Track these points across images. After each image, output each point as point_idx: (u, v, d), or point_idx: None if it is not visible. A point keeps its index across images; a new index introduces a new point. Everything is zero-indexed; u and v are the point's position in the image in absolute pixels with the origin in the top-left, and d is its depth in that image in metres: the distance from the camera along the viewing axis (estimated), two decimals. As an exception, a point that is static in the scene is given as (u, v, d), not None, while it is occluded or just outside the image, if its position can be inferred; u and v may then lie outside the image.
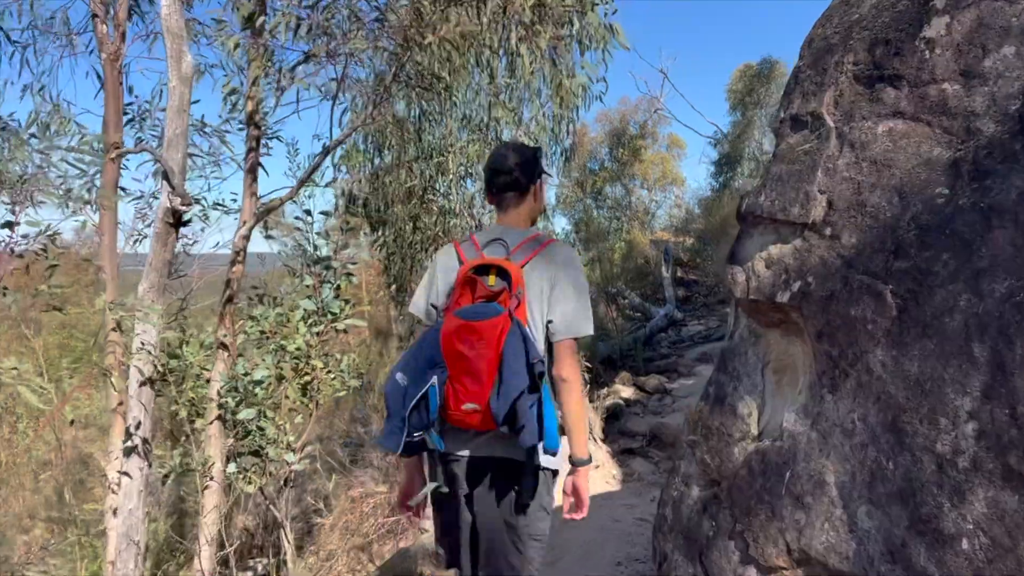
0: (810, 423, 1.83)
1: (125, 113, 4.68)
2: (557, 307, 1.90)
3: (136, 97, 4.60)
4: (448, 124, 5.89)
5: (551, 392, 1.88)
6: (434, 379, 1.84)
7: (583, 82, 6.22)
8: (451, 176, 6.08)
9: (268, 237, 4.63)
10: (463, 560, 2.07)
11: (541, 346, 1.89)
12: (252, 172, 4.40)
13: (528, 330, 1.84)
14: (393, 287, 6.95)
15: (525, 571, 1.97)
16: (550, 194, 25.76)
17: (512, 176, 2.05)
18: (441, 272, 2.04)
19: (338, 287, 4.43)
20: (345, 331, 4.53)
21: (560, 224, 25.86)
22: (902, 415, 1.58)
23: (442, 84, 4.82)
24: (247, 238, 4.48)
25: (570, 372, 1.88)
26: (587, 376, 7.39)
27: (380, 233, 6.21)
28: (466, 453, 1.95)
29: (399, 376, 1.89)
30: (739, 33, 50.42)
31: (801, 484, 1.80)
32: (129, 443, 3.84)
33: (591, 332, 1.95)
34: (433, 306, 2.02)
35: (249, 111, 4.21)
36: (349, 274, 4.47)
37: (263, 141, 4.75)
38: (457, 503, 2.02)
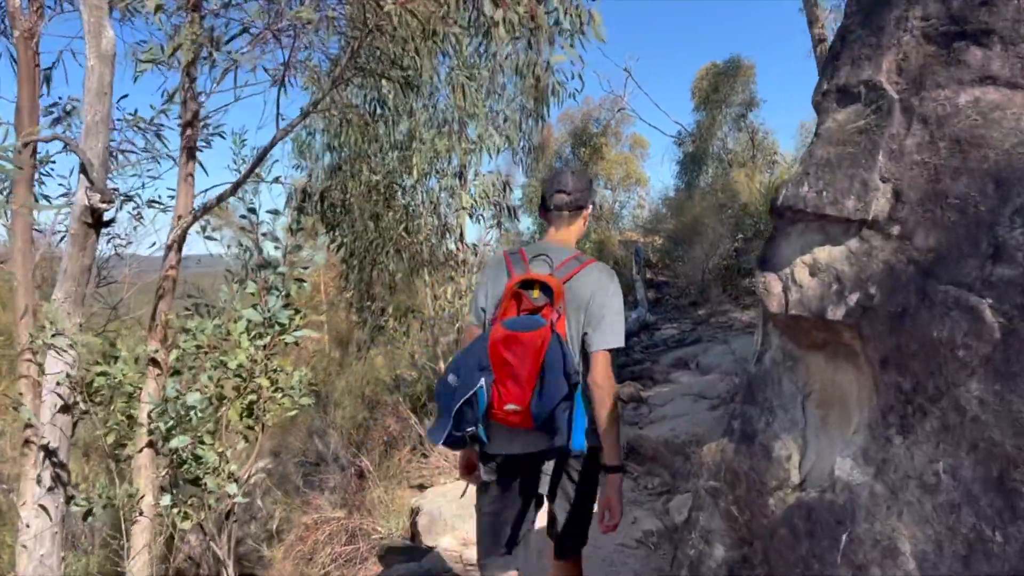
0: (873, 472, 1.44)
1: (50, 112, 4.17)
2: (593, 322, 2.14)
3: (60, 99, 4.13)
4: (413, 116, 5.45)
5: (583, 399, 2.09)
6: (482, 381, 2.04)
7: (558, 79, 5.83)
8: (416, 173, 5.63)
9: (209, 238, 4.13)
10: (499, 542, 2.30)
11: (576, 356, 2.15)
12: (189, 154, 3.91)
13: (566, 342, 2.08)
14: (352, 292, 6.47)
15: (582, 523, 2.30)
16: (516, 194, 25.32)
17: (571, 196, 2.29)
18: (491, 281, 2.29)
19: (288, 295, 3.96)
20: (296, 343, 4.07)
21: (525, 224, 25.51)
22: (1013, 470, 1.20)
23: (404, 70, 4.37)
24: (182, 238, 3.98)
25: (604, 380, 2.12)
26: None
27: (337, 233, 5.73)
28: (511, 451, 2.20)
29: (450, 378, 2.10)
30: (705, 32, 50.53)
31: (864, 551, 1.41)
32: (42, 476, 3.33)
33: (623, 344, 2.18)
34: (483, 309, 2.28)
35: (182, 84, 3.72)
36: (300, 280, 4.01)
37: (202, 124, 4.27)
38: (498, 494, 2.27)
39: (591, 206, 2.40)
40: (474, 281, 6.04)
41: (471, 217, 5.94)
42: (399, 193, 5.83)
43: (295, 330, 3.99)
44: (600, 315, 2.15)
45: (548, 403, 2.00)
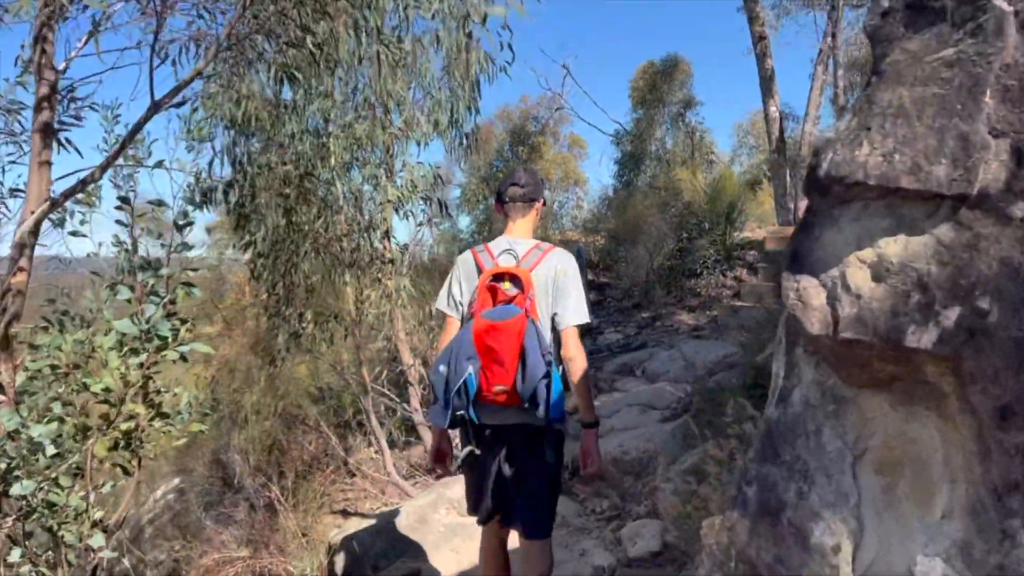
0: (983, 584, 0.93)
1: None
2: (561, 302, 2.43)
3: None
4: (330, 96, 4.79)
5: (559, 371, 2.37)
6: (470, 368, 2.32)
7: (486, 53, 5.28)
8: (333, 161, 4.98)
9: (74, 234, 3.42)
10: (487, 503, 2.57)
11: (548, 334, 2.43)
12: (45, 136, 3.19)
13: (539, 325, 2.38)
14: (266, 296, 5.76)
15: (545, 495, 2.54)
16: (454, 192, 24.71)
17: (524, 189, 2.57)
18: (464, 276, 2.57)
19: (172, 302, 3.29)
20: (184, 359, 3.39)
21: (464, 223, 24.89)
22: None
23: (314, 36, 3.75)
24: (34, 233, 3.26)
25: (576, 353, 2.41)
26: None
27: (246, 230, 5.03)
28: (496, 423, 2.46)
29: (442, 368, 2.37)
30: (642, 31, 50.61)
31: None
32: None
33: (588, 320, 2.48)
34: (460, 302, 2.55)
35: (35, 47, 3.02)
36: (188, 284, 3.34)
37: (68, 98, 3.56)
38: (486, 461, 2.53)
39: (542, 200, 2.66)
40: (404, 284, 5.42)
41: (397, 212, 5.32)
42: (317, 185, 5.17)
43: (180, 344, 3.32)
44: (565, 296, 2.44)
45: (531, 382, 2.28)
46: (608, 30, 50.28)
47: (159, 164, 3.59)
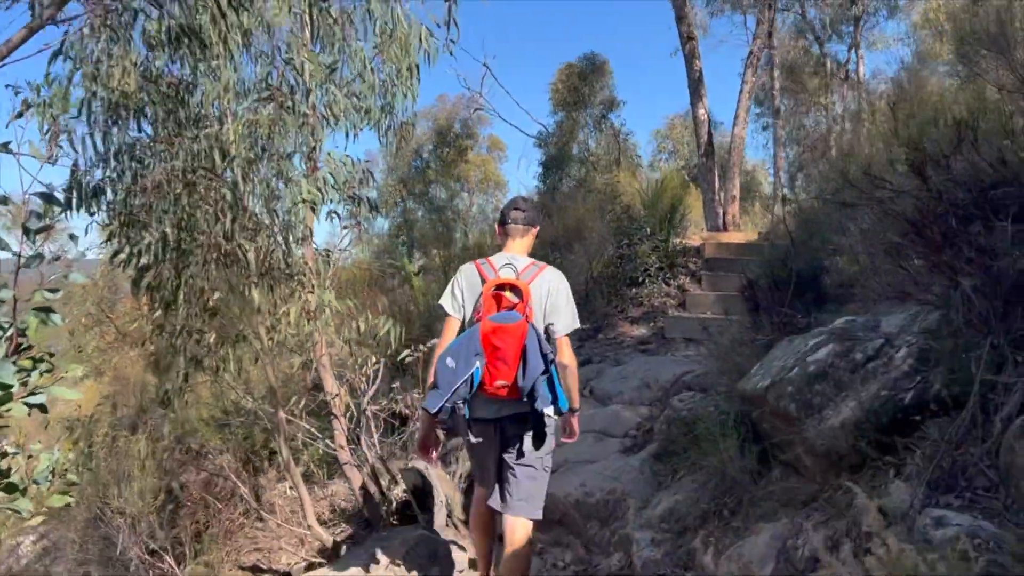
0: None
1: None
2: (555, 314, 2.92)
3: None
4: (223, 76, 3.89)
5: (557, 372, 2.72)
6: (477, 363, 2.68)
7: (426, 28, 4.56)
8: (236, 157, 4.09)
9: None
10: (491, 481, 3.02)
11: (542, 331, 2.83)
12: None
13: (539, 331, 2.77)
14: (159, 311, 4.77)
15: (541, 474, 2.96)
16: (371, 195, 23.62)
17: (526, 215, 3.08)
18: (467, 285, 2.97)
19: (23, 332, 2.43)
20: (43, 410, 2.52)
21: (380, 224, 23.83)
22: None
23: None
24: None
25: (569, 360, 2.94)
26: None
27: (126, 238, 4.07)
28: (493, 414, 2.85)
29: (448, 360, 2.70)
30: (564, 32, 50.12)
31: None
32: None
33: (579, 326, 3.04)
34: (462, 305, 2.95)
35: None
36: (45, 311, 2.46)
37: None
38: (486, 448, 2.93)
39: (538, 227, 3.14)
40: (328, 299, 4.58)
41: (315, 211, 4.48)
42: (217, 183, 4.25)
43: (32, 393, 2.45)
44: (558, 308, 2.93)
45: (531, 378, 2.65)
46: (530, 29, 49.71)
47: (3, 147, 2.66)
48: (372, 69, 4.64)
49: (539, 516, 2.95)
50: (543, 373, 2.63)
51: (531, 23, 50.28)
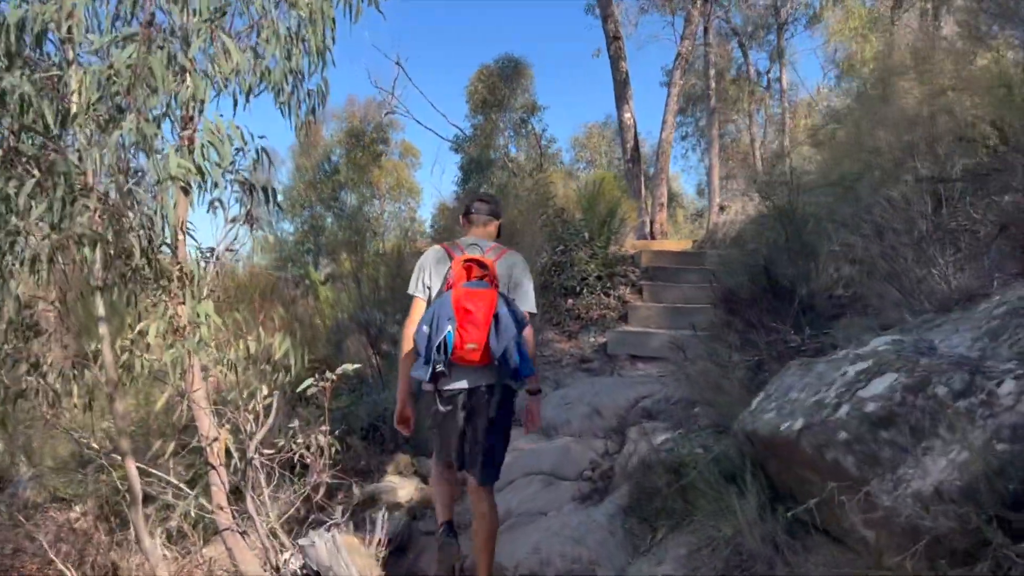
0: None
1: None
2: (517, 292, 3.07)
3: None
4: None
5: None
6: (449, 327, 2.80)
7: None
8: (80, 116, 2.94)
9: None
10: (455, 453, 3.09)
11: None
12: None
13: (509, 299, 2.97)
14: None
15: (502, 443, 3.14)
16: (270, 180, 22.17)
17: (489, 206, 3.31)
18: (434, 262, 3.13)
19: None
20: None
21: (286, 228, 22.25)
22: None
23: None
24: None
25: (529, 336, 3.05)
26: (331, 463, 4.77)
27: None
28: (464, 385, 3.00)
29: (424, 327, 2.86)
30: (484, 31, 48.76)
31: None
32: None
33: (535, 310, 3.16)
34: (428, 287, 3.11)
35: None
36: None
37: None
38: (454, 417, 3.03)
39: (500, 221, 3.36)
40: (205, 312, 3.42)
41: (187, 193, 3.36)
42: (50, 155, 3.06)
43: None
44: (520, 286, 3.10)
45: (504, 340, 2.80)
46: (446, 30, 48.27)
47: None
48: (274, 20, 3.55)
49: (496, 481, 3.19)
50: (515, 337, 2.81)
51: (447, 24, 48.65)
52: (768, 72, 18.20)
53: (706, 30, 12.89)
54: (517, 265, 3.13)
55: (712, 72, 14.44)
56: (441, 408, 3.02)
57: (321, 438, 3.90)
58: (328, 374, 3.97)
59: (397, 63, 22.11)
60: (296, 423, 3.92)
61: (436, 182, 43.58)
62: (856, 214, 4.38)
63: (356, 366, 4.02)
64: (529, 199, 9.05)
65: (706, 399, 3.92)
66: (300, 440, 3.91)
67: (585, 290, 7.91)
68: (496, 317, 2.82)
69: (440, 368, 2.86)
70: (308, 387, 3.93)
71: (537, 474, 4.64)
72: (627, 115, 13.68)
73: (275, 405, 3.90)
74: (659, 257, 9.44)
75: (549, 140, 18.85)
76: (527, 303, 3.08)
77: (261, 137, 4.28)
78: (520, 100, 20.05)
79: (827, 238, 4.79)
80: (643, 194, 13.98)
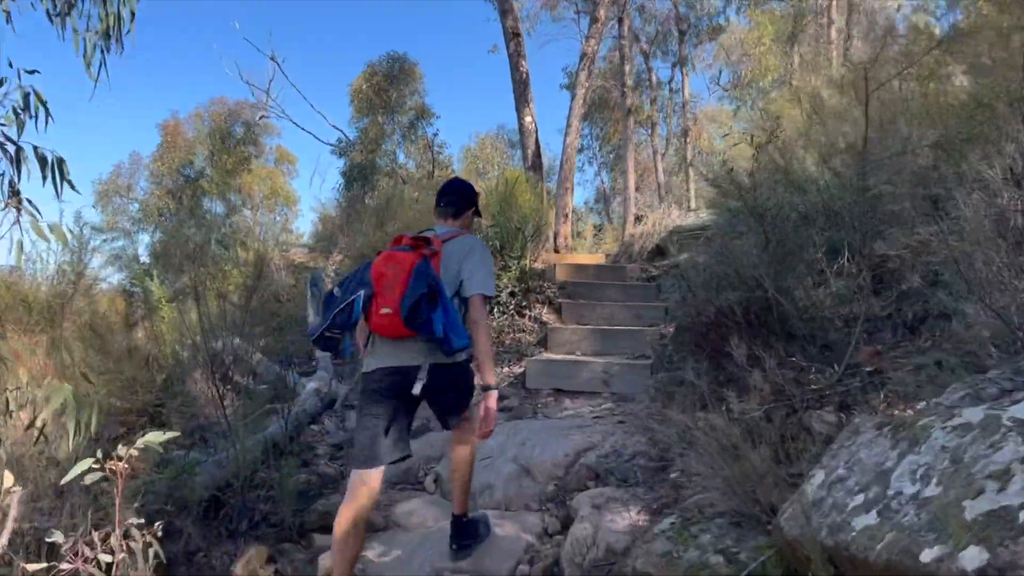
0: None
1: None
2: (467, 272, 2.80)
3: None
4: None
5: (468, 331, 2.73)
6: (360, 293, 2.66)
7: None
8: None
9: None
10: (377, 453, 2.76)
11: (450, 293, 2.73)
12: None
13: (431, 267, 2.68)
14: None
15: (465, 415, 3.03)
16: (132, 207, 19.64)
17: (451, 197, 3.09)
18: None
19: None
20: None
21: (142, 241, 19.70)
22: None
23: None
24: None
25: (479, 316, 2.77)
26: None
27: None
28: (389, 363, 2.76)
29: (336, 290, 2.75)
30: (370, 24, 45.64)
31: None
32: None
33: (492, 293, 2.93)
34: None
35: None
36: None
37: None
38: (379, 403, 2.77)
39: (472, 209, 3.14)
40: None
41: None
42: None
43: None
44: (474, 268, 2.80)
45: (410, 298, 2.54)
46: (329, 23, 45.18)
47: None
48: None
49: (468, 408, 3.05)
50: (426, 294, 2.56)
51: (332, 17, 45.20)
52: (670, 81, 17.73)
53: (620, 21, 12.02)
54: (475, 247, 2.90)
55: (627, 68, 13.59)
56: (372, 386, 2.80)
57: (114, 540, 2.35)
58: (123, 449, 2.48)
59: (272, 59, 20.18)
60: (58, 539, 2.34)
61: (316, 191, 40.85)
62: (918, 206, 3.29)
63: (169, 436, 2.55)
64: (427, 203, 7.64)
65: (710, 467, 2.68)
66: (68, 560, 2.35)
67: (496, 309, 6.59)
68: (409, 278, 2.61)
69: (337, 335, 2.71)
70: (84, 474, 2.41)
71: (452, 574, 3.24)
72: (528, 119, 12.56)
73: (15, 506, 2.33)
74: (576, 271, 8.29)
75: (441, 145, 17.46)
76: (480, 285, 2.80)
77: (32, 72, 2.81)
78: (410, 102, 18.62)
79: (826, 246, 3.71)
80: (546, 203, 12.88)
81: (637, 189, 17.33)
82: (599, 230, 17.10)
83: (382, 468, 2.77)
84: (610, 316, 6.92)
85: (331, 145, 18.68)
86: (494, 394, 2.83)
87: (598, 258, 10.70)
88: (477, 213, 3.19)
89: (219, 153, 21.20)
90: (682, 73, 16.44)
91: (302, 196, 30.03)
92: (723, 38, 15.60)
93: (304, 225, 25.29)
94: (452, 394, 2.92)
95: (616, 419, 4.77)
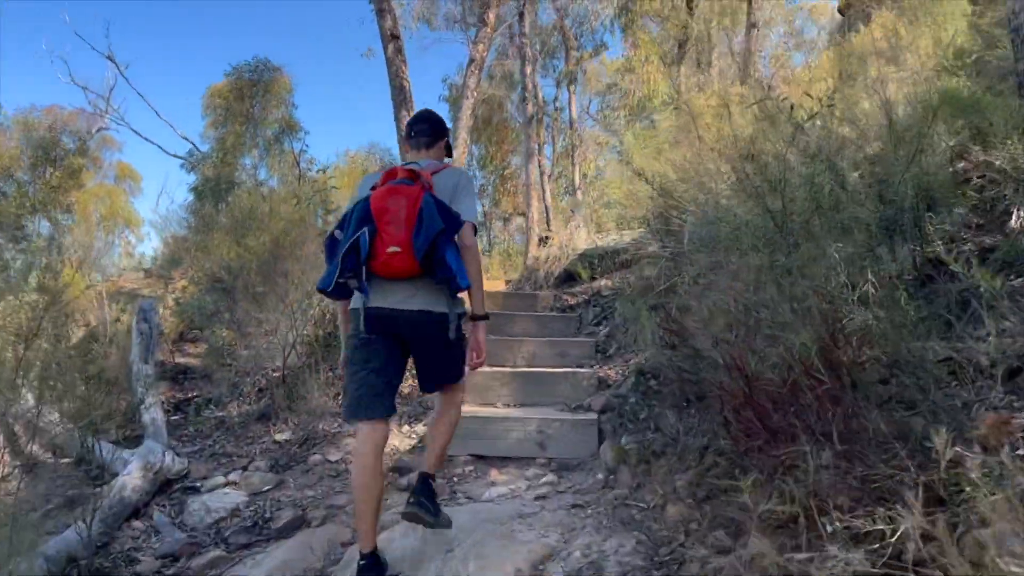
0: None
1: None
2: (457, 201, 2.66)
3: None
4: None
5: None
6: (364, 230, 2.44)
7: None
8: None
9: None
10: (385, 401, 2.60)
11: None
12: None
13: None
14: None
15: (459, 369, 2.78)
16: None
17: (426, 126, 2.94)
18: (359, 189, 2.76)
19: None
20: None
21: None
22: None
23: None
24: None
25: (470, 241, 2.60)
26: None
27: None
28: (393, 304, 2.52)
29: (336, 232, 2.56)
30: (224, 31, 42.12)
31: None
32: None
33: (481, 221, 3.15)
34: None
35: None
36: None
37: None
38: (378, 348, 2.58)
39: (445, 140, 2.99)
40: None
41: None
42: None
43: None
44: (462, 197, 2.69)
45: (427, 236, 2.39)
46: (180, 23, 41.44)
47: None
48: None
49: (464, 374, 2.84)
50: (443, 232, 2.44)
51: (182, 21, 41.34)
52: (555, 100, 16.98)
53: (522, 16, 11.00)
54: (462, 179, 2.78)
55: (530, 70, 12.56)
56: (364, 333, 2.57)
57: None
58: None
59: (110, 58, 17.78)
60: None
61: (163, 210, 37.19)
62: None
63: None
64: (294, 217, 6.17)
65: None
66: None
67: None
68: (420, 213, 2.43)
69: (351, 277, 2.45)
70: None
71: None
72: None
73: None
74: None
75: (309, 161, 15.76)
76: (469, 207, 2.69)
77: None
78: (275, 114, 16.81)
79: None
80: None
81: (522, 214, 16.41)
82: (486, 255, 16.01)
83: (386, 418, 2.62)
84: (530, 355, 5.73)
85: (181, 159, 16.51)
86: (484, 325, 2.75)
87: (498, 284, 9.53)
88: (448, 148, 3.03)
89: (42, 165, 18.37)
90: (569, 91, 15.76)
91: (147, 218, 27.07)
92: (604, 58, 15.21)
93: (149, 249, 22.60)
94: (456, 351, 2.72)
95: (569, 501, 3.56)
